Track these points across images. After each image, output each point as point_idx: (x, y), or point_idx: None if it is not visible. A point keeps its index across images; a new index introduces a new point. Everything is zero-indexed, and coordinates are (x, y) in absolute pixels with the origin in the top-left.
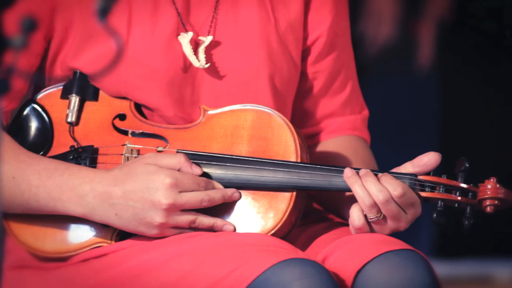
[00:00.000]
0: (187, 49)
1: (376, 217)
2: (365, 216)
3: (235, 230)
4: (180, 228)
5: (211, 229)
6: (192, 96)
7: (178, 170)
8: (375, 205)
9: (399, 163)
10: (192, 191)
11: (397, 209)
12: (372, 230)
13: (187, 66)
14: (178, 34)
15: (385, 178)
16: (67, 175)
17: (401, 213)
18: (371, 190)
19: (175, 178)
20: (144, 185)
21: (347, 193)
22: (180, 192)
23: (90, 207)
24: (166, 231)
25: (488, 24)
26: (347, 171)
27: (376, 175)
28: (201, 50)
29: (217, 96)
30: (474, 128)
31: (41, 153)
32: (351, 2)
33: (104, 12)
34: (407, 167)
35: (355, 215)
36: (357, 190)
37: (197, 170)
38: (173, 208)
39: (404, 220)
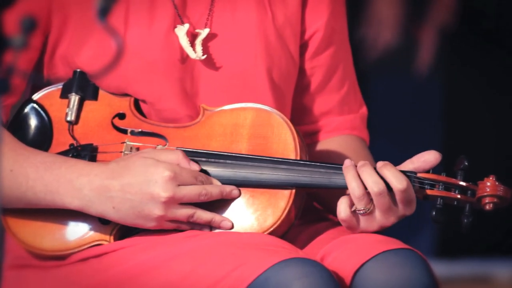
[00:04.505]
0: (184, 41)
1: (365, 209)
2: (354, 208)
3: (233, 226)
4: (178, 222)
5: (209, 224)
6: (192, 89)
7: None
8: (364, 196)
9: (402, 162)
10: (190, 185)
11: (390, 202)
12: (359, 224)
13: (184, 58)
14: (175, 27)
15: (390, 168)
16: (65, 168)
17: (393, 207)
18: (367, 181)
19: (174, 171)
20: (142, 178)
21: (347, 192)
22: (179, 185)
23: (87, 200)
24: (164, 224)
25: (490, 25)
26: (347, 161)
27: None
28: (198, 42)
29: (215, 88)
30: (474, 127)
31: None
32: (352, 7)
33: (104, 12)
34: (407, 165)
35: (342, 207)
36: (350, 179)
37: (195, 167)
38: (172, 201)
39: (394, 215)
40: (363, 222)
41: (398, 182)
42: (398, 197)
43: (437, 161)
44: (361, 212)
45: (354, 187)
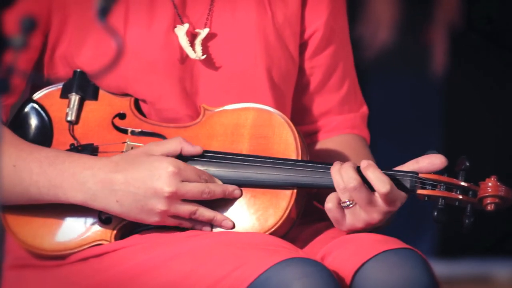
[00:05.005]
0: (183, 41)
1: (348, 202)
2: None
3: (234, 226)
4: (180, 218)
5: (210, 222)
6: (192, 88)
7: (180, 152)
8: (346, 190)
9: (403, 162)
10: (193, 182)
11: (368, 197)
12: (345, 219)
13: (184, 58)
14: (175, 27)
15: (373, 171)
16: (68, 163)
17: (372, 203)
18: (343, 176)
19: (178, 167)
20: (146, 172)
21: None
22: (182, 181)
23: (91, 194)
24: (167, 219)
25: (490, 25)
26: (335, 163)
27: (358, 167)
28: (198, 42)
29: (215, 88)
30: (474, 127)
31: None
32: (349, 6)
33: (104, 12)
34: (412, 164)
35: (329, 200)
36: (334, 173)
37: (198, 148)
38: (175, 197)
39: (376, 212)
40: (349, 217)
41: (381, 186)
42: (381, 198)
43: (442, 166)
44: (345, 204)
45: (337, 180)
